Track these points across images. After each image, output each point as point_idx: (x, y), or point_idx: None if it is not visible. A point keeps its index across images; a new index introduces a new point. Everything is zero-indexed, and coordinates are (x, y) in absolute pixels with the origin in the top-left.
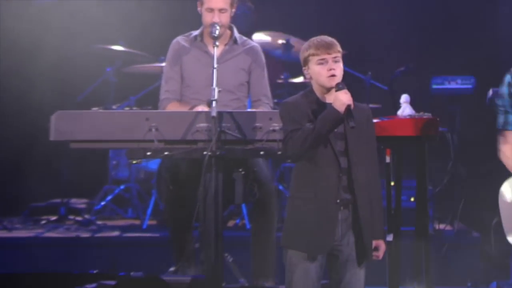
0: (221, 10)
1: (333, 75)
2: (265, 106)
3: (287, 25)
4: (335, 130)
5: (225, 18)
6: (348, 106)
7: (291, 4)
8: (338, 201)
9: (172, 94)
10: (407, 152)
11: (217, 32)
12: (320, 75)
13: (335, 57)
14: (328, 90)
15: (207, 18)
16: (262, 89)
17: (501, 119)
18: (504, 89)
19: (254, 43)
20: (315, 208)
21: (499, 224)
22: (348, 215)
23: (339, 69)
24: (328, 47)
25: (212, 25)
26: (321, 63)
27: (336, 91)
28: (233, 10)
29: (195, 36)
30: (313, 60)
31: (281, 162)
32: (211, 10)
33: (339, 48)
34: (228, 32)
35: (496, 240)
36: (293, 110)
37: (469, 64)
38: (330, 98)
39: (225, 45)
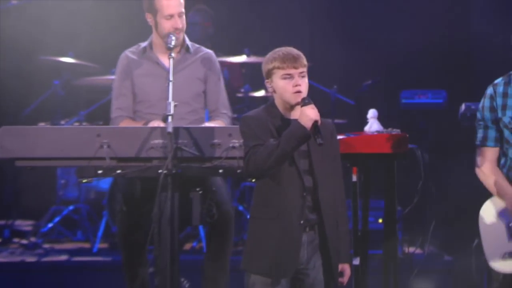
0: (180, 14)
1: (298, 91)
2: (224, 117)
3: (246, 38)
4: (303, 148)
5: (184, 22)
6: (315, 122)
7: (249, 16)
8: (301, 222)
9: (124, 111)
10: (375, 171)
11: (173, 42)
12: (285, 90)
13: (301, 72)
14: (292, 105)
15: (167, 25)
16: (220, 99)
17: (480, 134)
18: (486, 102)
19: (207, 50)
20: (278, 230)
21: (480, 246)
22: (314, 237)
23: (304, 85)
24: (294, 61)
25: (168, 35)
26: (286, 78)
27: (302, 106)
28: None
29: (144, 48)
30: (278, 73)
31: (241, 181)
32: (171, 16)
33: (305, 61)
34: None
35: (475, 263)
36: (255, 125)
37: (440, 78)
38: (294, 114)
39: (178, 53)
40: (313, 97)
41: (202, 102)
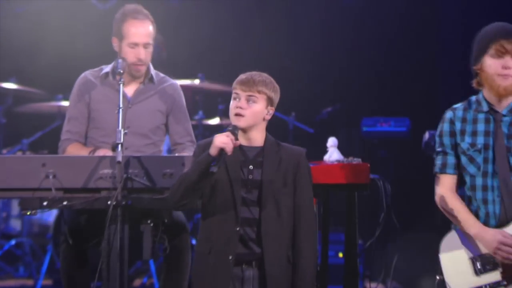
0: (145, 46)
1: (238, 114)
2: (190, 150)
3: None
4: (249, 177)
5: (149, 55)
6: (221, 151)
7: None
8: (230, 257)
9: (73, 135)
10: (335, 202)
11: (119, 66)
12: (230, 111)
13: (250, 96)
14: (245, 131)
15: (129, 54)
16: (185, 132)
17: (438, 161)
18: (445, 127)
19: (172, 81)
20: (210, 265)
21: (442, 282)
22: (254, 273)
23: (249, 110)
24: (243, 84)
25: (118, 61)
26: (235, 99)
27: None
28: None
29: (106, 73)
30: (232, 93)
31: (194, 213)
32: (135, 45)
33: (261, 88)
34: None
35: None
36: (201, 152)
37: (403, 104)
38: (248, 141)
39: (140, 83)
40: (269, 124)
41: (162, 135)
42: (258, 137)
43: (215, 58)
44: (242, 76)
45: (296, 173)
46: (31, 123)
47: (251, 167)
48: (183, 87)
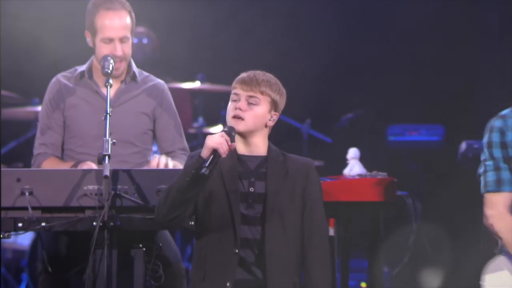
0: (122, 40)
1: (237, 117)
2: (182, 157)
3: (200, 65)
4: (250, 190)
5: (128, 49)
6: (215, 151)
7: (205, 38)
8: (228, 284)
9: (49, 148)
10: (356, 223)
11: (111, 66)
12: (228, 113)
13: (251, 97)
14: (244, 137)
15: (104, 51)
16: (175, 139)
17: (490, 177)
18: (494, 137)
19: (158, 80)
20: None
21: None
22: None
23: (250, 113)
24: (244, 83)
25: (105, 58)
26: (234, 100)
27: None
28: (132, 38)
29: (81, 73)
30: (231, 93)
31: (193, 236)
32: (109, 40)
33: (263, 89)
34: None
35: None
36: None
37: (436, 110)
38: (248, 149)
39: (121, 82)
40: (280, 133)
41: (149, 142)
42: (260, 145)
43: (217, 57)
44: (243, 75)
45: (305, 187)
46: (3, 131)
47: (252, 179)
48: (180, 90)
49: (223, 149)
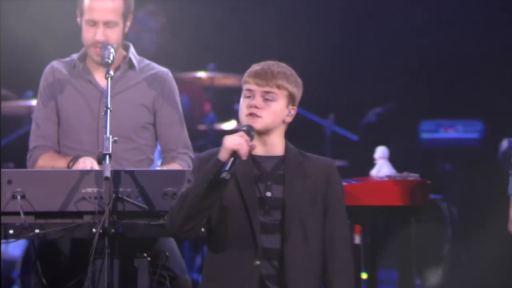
0: (108, 24)
1: (252, 114)
2: (183, 158)
3: (211, 54)
4: (266, 195)
5: (115, 35)
6: (234, 153)
7: (217, 24)
8: None
9: (48, 140)
10: (385, 230)
11: (111, 56)
12: (241, 111)
13: (267, 92)
14: (260, 136)
15: (87, 34)
16: (177, 136)
17: None
18: None
19: (160, 68)
20: None
21: None
22: None
23: (268, 111)
24: (259, 76)
25: (105, 46)
26: (247, 96)
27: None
28: (128, 24)
29: (75, 61)
30: (243, 89)
31: (203, 244)
32: (93, 23)
33: (280, 82)
34: (123, 53)
35: None
36: (202, 167)
37: (474, 104)
38: (264, 149)
39: (116, 70)
40: (299, 130)
41: (149, 137)
42: (277, 144)
43: (229, 44)
44: (256, 67)
45: (326, 190)
46: None
47: (269, 182)
48: (189, 81)
49: (244, 151)
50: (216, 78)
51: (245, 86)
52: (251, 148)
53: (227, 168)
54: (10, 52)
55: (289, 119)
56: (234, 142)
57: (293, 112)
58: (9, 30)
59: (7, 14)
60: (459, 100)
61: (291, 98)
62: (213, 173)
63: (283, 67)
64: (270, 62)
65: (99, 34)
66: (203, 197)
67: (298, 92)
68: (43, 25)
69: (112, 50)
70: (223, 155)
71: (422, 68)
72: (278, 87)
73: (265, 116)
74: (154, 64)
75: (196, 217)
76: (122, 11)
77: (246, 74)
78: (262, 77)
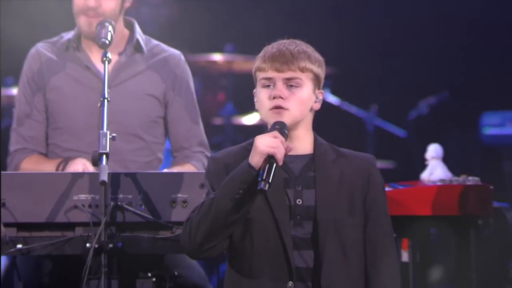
0: None
1: (278, 107)
2: (197, 157)
3: (228, 33)
4: (297, 202)
5: (108, 4)
6: (270, 158)
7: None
8: None
9: (30, 142)
10: (439, 244)
11: (109, 35)
12: (261, 105)
13: (289, 79)
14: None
15: (78, 2)
16: (192, 132)
17: None
18: None
19: (172, 51)
20: None
21: None
22: None
23: (293, 99)
24: (277, 60)
25: (101, 23)
26: (267, 86)
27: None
28: None
29: (68, 41)
30: (259, 78)
31: (219, 262)
32: None
33: (303, 64)
34: (125, 32)
35: None
36: (215, 171)
37: None
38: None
39: (119, 54)
40: (336, 123)
41: (158, 134)
42: (305, 139)
43: (251, 21)
44: (270, 50)
45: (367, 193)
46: None
47: (299, 187)
48: (202, 65)
49: (281, 155)
50: (235, 61)
51: (260, 75)
52: (287, 151)
53: (264, 177)
54: (10, 52)
55: (317, 106)
56: (269, 145)
57: (321, 96)
58: (9, 30)
59: (7, 14)
60: None
61: (317, 80)
62: (246, 182)
63: (301, 44)
64: (285, 41)
65: (91, 1)
66: (231, 211)
67: (322, 73)
68: (43, 25)
69: (110, 28)
70: (256, 160)
71: (484, 50)
72: (302, 70)
73: (292, 107)
74: (164, 46)
75: (221, 234)
76: None
77: (259, 60)
78: (281, 60)
